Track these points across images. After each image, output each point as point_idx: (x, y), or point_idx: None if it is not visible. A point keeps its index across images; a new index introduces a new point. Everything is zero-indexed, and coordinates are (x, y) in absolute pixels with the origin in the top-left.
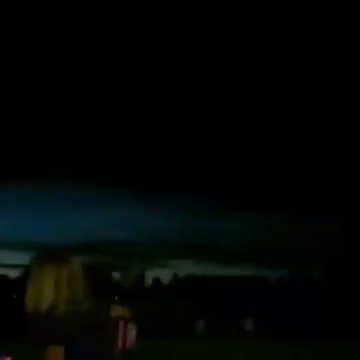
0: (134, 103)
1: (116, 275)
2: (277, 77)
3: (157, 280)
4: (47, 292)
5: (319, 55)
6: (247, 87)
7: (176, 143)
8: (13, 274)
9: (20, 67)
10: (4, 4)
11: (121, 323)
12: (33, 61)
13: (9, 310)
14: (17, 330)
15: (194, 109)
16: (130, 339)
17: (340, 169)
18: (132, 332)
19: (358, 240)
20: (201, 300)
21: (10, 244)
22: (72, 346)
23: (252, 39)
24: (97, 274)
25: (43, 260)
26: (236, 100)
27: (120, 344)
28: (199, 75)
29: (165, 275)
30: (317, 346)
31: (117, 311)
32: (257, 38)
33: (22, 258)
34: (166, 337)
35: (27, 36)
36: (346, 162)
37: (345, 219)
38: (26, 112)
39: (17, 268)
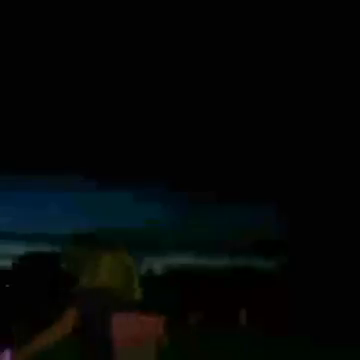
0: (130, 99)
1: None
2: (276, 77)
3: (150, 271)
4: (103, 277)
5: (306, 54)
6: (247, 87)
7: (172, 136)
8: (6, 264)
9: (17, 63)
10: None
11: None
12: (30, 56)
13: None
14: (12, 319)
15: (189, 105)
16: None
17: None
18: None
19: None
20: (194, 291)
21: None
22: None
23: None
24: None
25: (100, 249)
26: (222, 94)
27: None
28: (199, 73)
29: (158, 266)
30: (312, 337)
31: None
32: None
33: (15, 248)
34: None
35: (25, 36)
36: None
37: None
38: (24, 105)
39: (9, 258)
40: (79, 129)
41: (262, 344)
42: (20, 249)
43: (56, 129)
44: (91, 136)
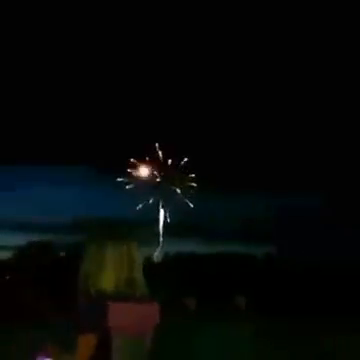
0: (124, 89)
1: None
2: (279, 77)
3: (149, 259)
4: (107, 272)
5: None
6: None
7: (166, 123)
8: (4, 255)
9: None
10: None
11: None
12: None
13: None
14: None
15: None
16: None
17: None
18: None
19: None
20: (192, 278)
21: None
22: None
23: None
24: None
25: (103, 238)
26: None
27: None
28: (202, 69)
29: (157, 253)
30: (309, 323)
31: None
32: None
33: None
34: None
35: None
36: (329, 144)
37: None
38: (16, 92)
39: (8, 249)
40: (80, 121)
41: (262, 329)
42: (20, 239)
43: (60, 120)
44: (92, 127)
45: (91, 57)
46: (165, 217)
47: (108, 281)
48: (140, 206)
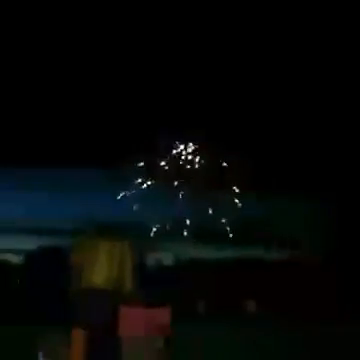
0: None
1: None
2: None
3: (159, 263)
4: (98, 269)
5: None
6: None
7: (172, 126)
8: (16, 259)
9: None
10: None
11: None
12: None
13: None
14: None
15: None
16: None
17: (334, 153)
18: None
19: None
20: (202, 282)
21: (9, 228)
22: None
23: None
24: None
25: (97, 236)
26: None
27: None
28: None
29: (166, 258)
30: (319, 328)
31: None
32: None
33: (21, 242)
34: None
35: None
36: (339, 146)
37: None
38: (25, 92)
39: (19, 253)
40: (95, 122)
41: (272, 332)
42: (32, 243)
43: (72, 122)
44: (105, 131)
45: (99, 58)
46: (189, 231)
47: (98, 278)
48: (155, 229)
